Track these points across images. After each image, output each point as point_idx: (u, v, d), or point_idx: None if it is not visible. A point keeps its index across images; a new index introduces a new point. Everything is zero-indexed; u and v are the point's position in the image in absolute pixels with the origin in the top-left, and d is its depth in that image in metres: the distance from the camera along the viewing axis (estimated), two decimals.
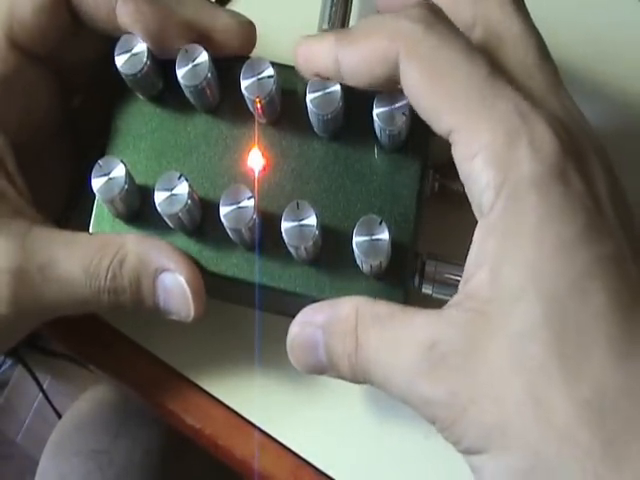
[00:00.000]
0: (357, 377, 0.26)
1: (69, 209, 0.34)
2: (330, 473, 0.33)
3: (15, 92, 0.30)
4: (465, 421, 0.23)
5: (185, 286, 0.29)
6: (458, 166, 0.25)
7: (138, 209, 0.30)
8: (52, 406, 1.01)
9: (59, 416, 0.96)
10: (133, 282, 0.29)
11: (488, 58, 0.25)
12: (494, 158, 0.24)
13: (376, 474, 0.33)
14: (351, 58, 0.26)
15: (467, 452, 0.24)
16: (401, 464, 0.33)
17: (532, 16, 0.27)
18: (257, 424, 0.34)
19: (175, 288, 0.29)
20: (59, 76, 0.32)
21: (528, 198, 0.23)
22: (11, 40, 0.29)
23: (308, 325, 0.27)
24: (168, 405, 0.35)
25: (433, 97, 0.25)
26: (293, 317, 0.28)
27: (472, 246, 0.25)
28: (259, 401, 0.34)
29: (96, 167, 0.29)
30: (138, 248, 0.29)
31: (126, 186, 0.29)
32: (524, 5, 0.27)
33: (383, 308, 0.26)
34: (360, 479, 0.33)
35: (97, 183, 0.29)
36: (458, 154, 0.25)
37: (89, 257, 0.28)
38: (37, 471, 0.64)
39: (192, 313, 0.29)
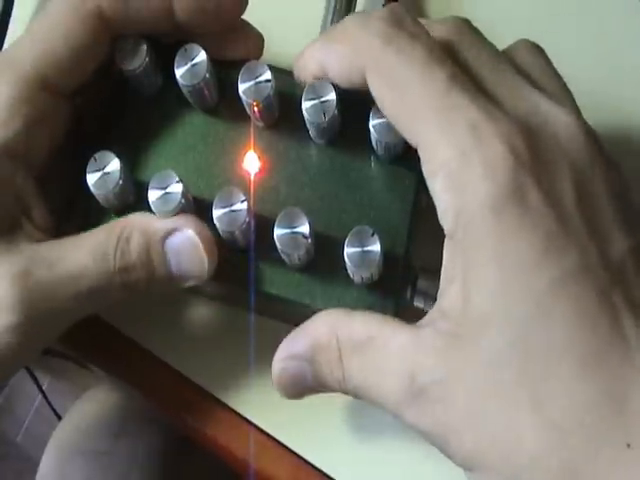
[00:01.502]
0: (350, 395, 0.26)
1: (68, 211, 0.34)
2: (330, 473, 0.33)
3: (42, 131, 0.30)
4: (450, 449, 0.24)
5: (195, 238, 0.28)
6: (427, 182, 0.25)
7: (133, 205, 0.30)
8: (52, 407, 1.00)
9: (58, 417, 0.96)
10: (142, 254, 0.28)
11: (450, 64, 0.25)
12: (450, 180, 0.24)
13: (376, 474, 0.33)
14: (332, 66, 0.27)
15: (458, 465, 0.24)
16: (401, 464, 0.33)
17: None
18: (257, 424, 0.34)
19: (185, 245, 0.28)
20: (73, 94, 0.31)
21: (484, 222, 0.23)
22: (43, 83, 0.29)
23: (291, 359, 0.27)
24: (169, 405, 0.35)
25: (397, 113, 0.25)
26: (284, 322, 0.28)
27: (443, 261, 0.25)
28: (259, 401, 0.34)
29: (91, 162, 0.29)
30: (142, 220, 0.29)
31: (121, 181, 0.29)
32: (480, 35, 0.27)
33: (360, 331, 0.25)
34: (360, 479, 0.33)
35: (92, 178, 0.29)
36: (424, 170, 0.25)
37: (96, 244, 0.28)
38: (38, 472, 0.64)
39: (206, 266, 0.29)
